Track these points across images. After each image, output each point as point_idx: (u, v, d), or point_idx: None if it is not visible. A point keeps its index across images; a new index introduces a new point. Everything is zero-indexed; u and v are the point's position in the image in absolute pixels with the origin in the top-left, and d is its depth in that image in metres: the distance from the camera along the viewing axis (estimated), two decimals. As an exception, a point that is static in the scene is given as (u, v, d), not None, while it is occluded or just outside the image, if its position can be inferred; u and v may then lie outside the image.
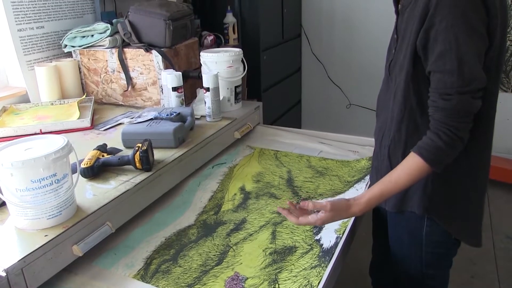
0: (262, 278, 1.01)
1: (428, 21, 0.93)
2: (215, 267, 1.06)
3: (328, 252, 1.08)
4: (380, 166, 1.17)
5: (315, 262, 1.05)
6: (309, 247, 1.12)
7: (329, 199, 1.33)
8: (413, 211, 1.10)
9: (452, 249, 1.17)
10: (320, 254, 1.08)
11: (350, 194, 1.36)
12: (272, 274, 1.02)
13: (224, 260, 1.09)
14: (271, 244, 1.14)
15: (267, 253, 1.10)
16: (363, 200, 1.02)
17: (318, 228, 1.19)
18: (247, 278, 1.01)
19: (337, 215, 1.02)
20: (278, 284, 0.99)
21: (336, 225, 1.19)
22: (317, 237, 1.15)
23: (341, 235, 1.14)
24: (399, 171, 1.00)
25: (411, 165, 0.97)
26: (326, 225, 1.20)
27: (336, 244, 1.11)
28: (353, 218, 1.21)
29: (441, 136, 0.93)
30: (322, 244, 1.12)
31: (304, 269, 1.03)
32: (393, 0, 1.13)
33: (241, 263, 1.07)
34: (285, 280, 1.00)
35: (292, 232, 1.18)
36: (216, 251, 1.12)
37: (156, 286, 1.00)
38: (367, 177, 1.44)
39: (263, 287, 0.98)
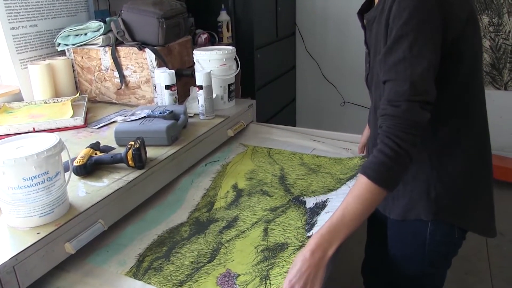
0: (253, 275, 1.02)
1: (389, 35, 0.93)
2: (207, 264, 1.07)
3: (320, 248, 1.09)
4: None
5: (307, 258, 1.06)
6: (301, 243, 1.12)
7: (321, 196, 1.35)
8: (419, 219, 1.09)
9: (454, 248, 1.16)
10: (311, 250, 1.09)
11: (342, 191, 1.37)
12: (264, 270, 1.03)
13: (216, 257, 1.09)
14: (263, 241, 1.14)
15: (259, 250, 1.11)
16: (312, 241, 0.93)
17: (310, 224, 1.20)
18: (239, 275, 1.02)
19: (293, 266, 0.93)
20: (270, 280, 0.99)
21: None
22: (309, 234, 1.16)
23: (332, 232, 1.14)
24: (348, 199, 0.94)
25: (360, 189, 0.92)
26: (318, 222, 1.20)
27: (327, 240, 1.11)
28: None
29: (385, 150, 0.90)
30: (314, 241, 1.12)
31: (295, 265, 1.04)
32: (358, 16, 1.14)
33: (233, 260, 1.08)
34: (277, 276, 1.01)
35: (284, 229, 1.19)
36: (208, 248, 1.13)
37: (148, 283, 1.00)
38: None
39: (255, 283, 0.99)
